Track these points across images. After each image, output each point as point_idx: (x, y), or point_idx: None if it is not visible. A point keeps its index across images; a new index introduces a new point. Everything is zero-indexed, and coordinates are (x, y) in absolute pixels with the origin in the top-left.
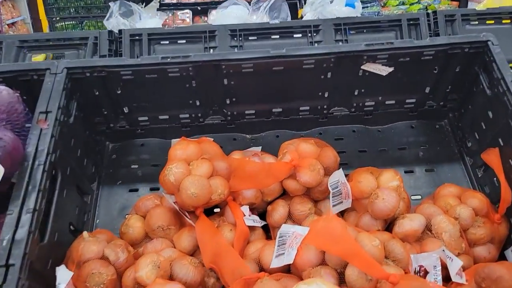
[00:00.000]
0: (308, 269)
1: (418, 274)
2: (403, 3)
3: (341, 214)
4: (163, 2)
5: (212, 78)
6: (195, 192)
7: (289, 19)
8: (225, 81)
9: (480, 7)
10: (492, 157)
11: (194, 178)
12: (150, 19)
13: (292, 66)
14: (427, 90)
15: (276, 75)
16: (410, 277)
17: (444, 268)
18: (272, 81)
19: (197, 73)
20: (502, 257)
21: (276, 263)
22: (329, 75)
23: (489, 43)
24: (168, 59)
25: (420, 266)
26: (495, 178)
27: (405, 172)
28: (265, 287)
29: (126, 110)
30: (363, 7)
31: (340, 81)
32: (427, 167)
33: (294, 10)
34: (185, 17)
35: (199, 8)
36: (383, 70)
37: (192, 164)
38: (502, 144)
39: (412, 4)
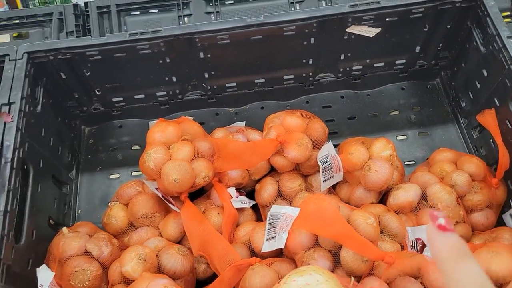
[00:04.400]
0: (300, 253)
1: (415, 247)
2: None
3: (333, 187)
4: None
5: (187, 52)
6: (177, 178)
7: None
8: (201, 55)
9: None
10: (488, 118)
11: (175, 163)
12: None
13: (271, 33)
14: (417, 49)
15: (256, 44)
16: (407, 255)
17: None
18: (252, 50)
19: (170, 48)
20: (500, 221)
21: (267, 247)
22: (312, 40)
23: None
24: (137, 36)
25: (417, 239)
26: (491, 140)
27: (397, 137)
28: (257, 275)
29: (98, 91)
30: None
31: (324, 46)
32: (420, 130)
33: None
34: None
35: None
36: (370, 31)
37: (172, 147)
38: (498, 104)
39: None
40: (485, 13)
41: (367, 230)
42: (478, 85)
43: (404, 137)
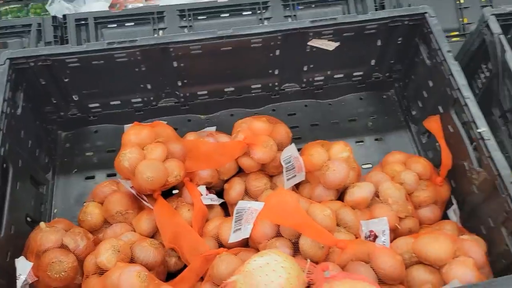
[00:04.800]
0: (264, 242)
1: (368, 238)
2: None
3: (296, 186)
4: None
5: (161, 61)
6: (151, 176)
7: None
8: (175, 64)
9: None
10: (433, 124)
11: (148, 162)
12: (95, 2)
13: (240, 45)
14: (373, 62)
15: (226, 55)
16: (357, 241)
17: (393, 231)
18: (222, 61)
19: (145, 57)
20: (445, 217)
21: (233, 238)
22: (277, 52)
23: (427, 15)
24: (114, 45)
25: (370, 231)
26: (437, 144)
27: (356, 142)
28: (224, 262)
29: (76, 97)
30: None
31: (288, 58)
32: (376, 136)
33: None
34: None
35: None
36: (329, 45)
37: (146, 148)
38: (442, 111)
39: None
40: (429, 30)
41: (323, 220)
42: (426, 95)
43: (362, 142)
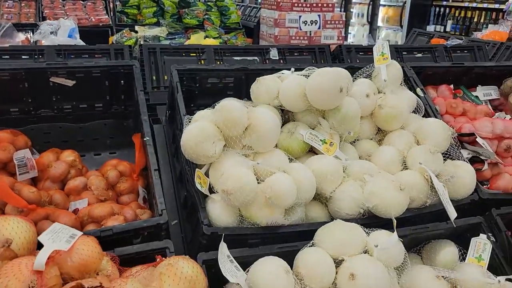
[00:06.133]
0: None
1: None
2: (207, 37)
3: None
4: None
5: None
6: None
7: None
8: None
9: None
10: (136, 139)
11: None
12: None
13: None
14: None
15: None
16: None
17: None
18: None
19: None
20: None
21: None
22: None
23: (134, 66)
24: None
25: (76, 210)
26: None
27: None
28: None
29: None
30: (170, 38)
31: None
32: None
33: None
34: None
35: None
36: (68, 82)
37: None
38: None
39: (215, 38)
40: (133, 76)
41: (29, 196)
42: None
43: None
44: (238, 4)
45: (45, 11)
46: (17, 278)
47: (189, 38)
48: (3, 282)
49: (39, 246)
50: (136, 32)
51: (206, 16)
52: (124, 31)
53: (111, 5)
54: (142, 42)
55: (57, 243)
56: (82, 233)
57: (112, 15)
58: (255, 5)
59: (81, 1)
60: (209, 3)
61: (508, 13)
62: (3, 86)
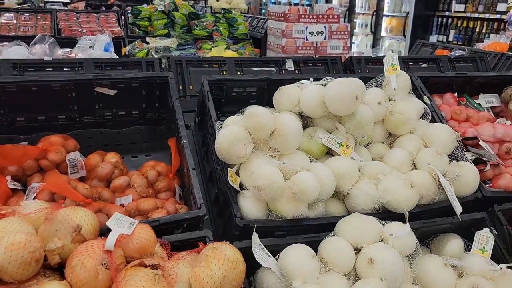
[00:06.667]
0: None
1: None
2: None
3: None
4: None
5: None
6: None
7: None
8: None
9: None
10: (171, 142)
11: None
12: None
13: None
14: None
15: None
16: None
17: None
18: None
19: None
20: None
21: None
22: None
23: (169, 77)
24: None
25: (122, 204)
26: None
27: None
28: None
29: None
30: (181, 49)
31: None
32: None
33: None
34: None
35: None
36: (110, 92)
37: None
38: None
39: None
40: (168, 86)
41: (83, 192)
42: None
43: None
44: (245, 15)
45: (60, 24)
46: (91, 256)
47: (200, 49)
48: (80, 259)
49: (100, 234)
50: (148, 43)
51: (215, 28)
52: (136, 42)
53: (123, 17)
54: (153, 53)
55: (121, 228)
56: (138, 221)
57: (124, 27)
58: (262, 17)
59: (94, 14)
60: (217, 14)
61: (509, 23)
62: (54, 96)
